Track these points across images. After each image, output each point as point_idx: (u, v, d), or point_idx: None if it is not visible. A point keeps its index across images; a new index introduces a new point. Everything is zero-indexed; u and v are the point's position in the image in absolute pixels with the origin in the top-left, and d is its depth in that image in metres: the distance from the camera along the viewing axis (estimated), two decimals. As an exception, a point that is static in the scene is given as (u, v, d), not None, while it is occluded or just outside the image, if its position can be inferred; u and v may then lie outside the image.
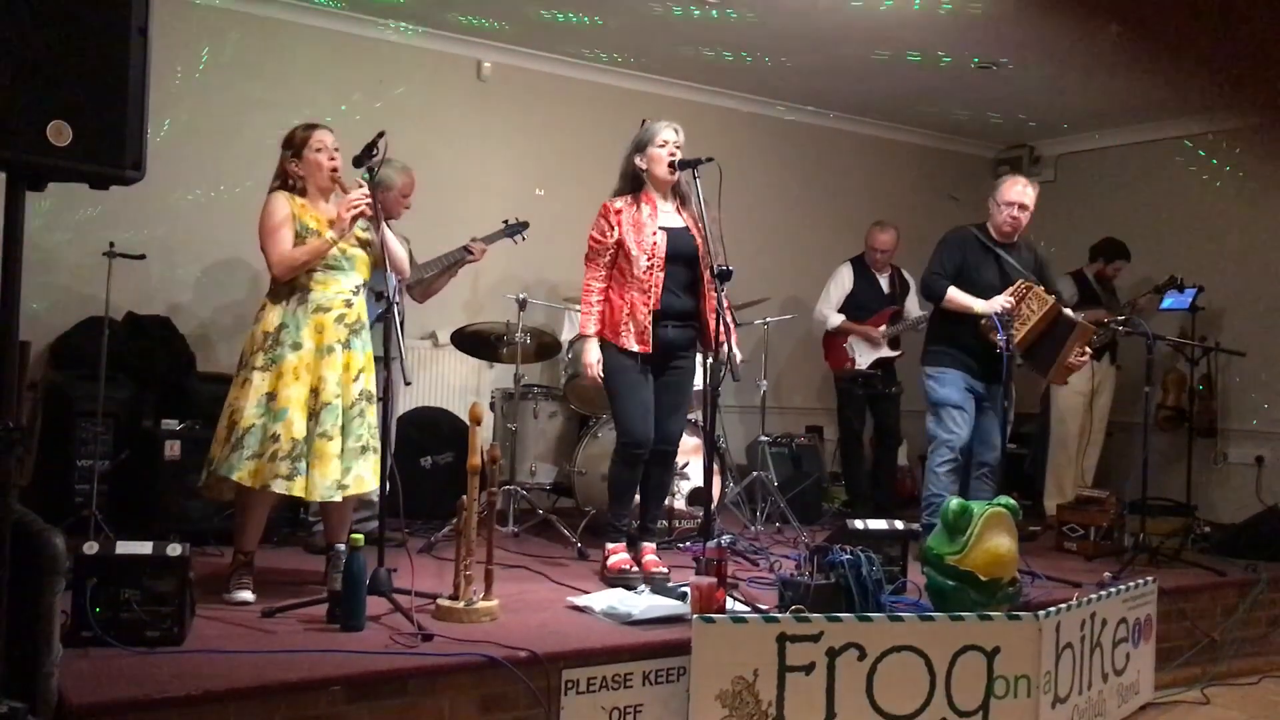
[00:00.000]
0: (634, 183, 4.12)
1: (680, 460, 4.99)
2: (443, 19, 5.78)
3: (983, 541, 3.60)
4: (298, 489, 3.42)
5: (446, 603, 3.31)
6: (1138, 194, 7.32)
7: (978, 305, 4.69)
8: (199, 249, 5.43)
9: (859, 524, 3.98)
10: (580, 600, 3.56)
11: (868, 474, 6.23)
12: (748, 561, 4.51)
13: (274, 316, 3.55)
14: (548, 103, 6.38)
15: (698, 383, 4.35)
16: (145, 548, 2.92)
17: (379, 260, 3.58)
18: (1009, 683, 3.28)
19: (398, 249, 3.76)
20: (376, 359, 3.65)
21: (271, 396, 3.45)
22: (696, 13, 5.46)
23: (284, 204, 3.59)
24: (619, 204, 4.10)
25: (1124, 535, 5.18)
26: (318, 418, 3.47)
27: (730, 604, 3.48)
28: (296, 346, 3.50)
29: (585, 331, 4.09)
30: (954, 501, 3.70)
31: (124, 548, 2.92)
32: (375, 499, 3.63)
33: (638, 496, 4.28)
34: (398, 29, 5.88)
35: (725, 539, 4.41)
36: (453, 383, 5.94)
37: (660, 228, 4.05)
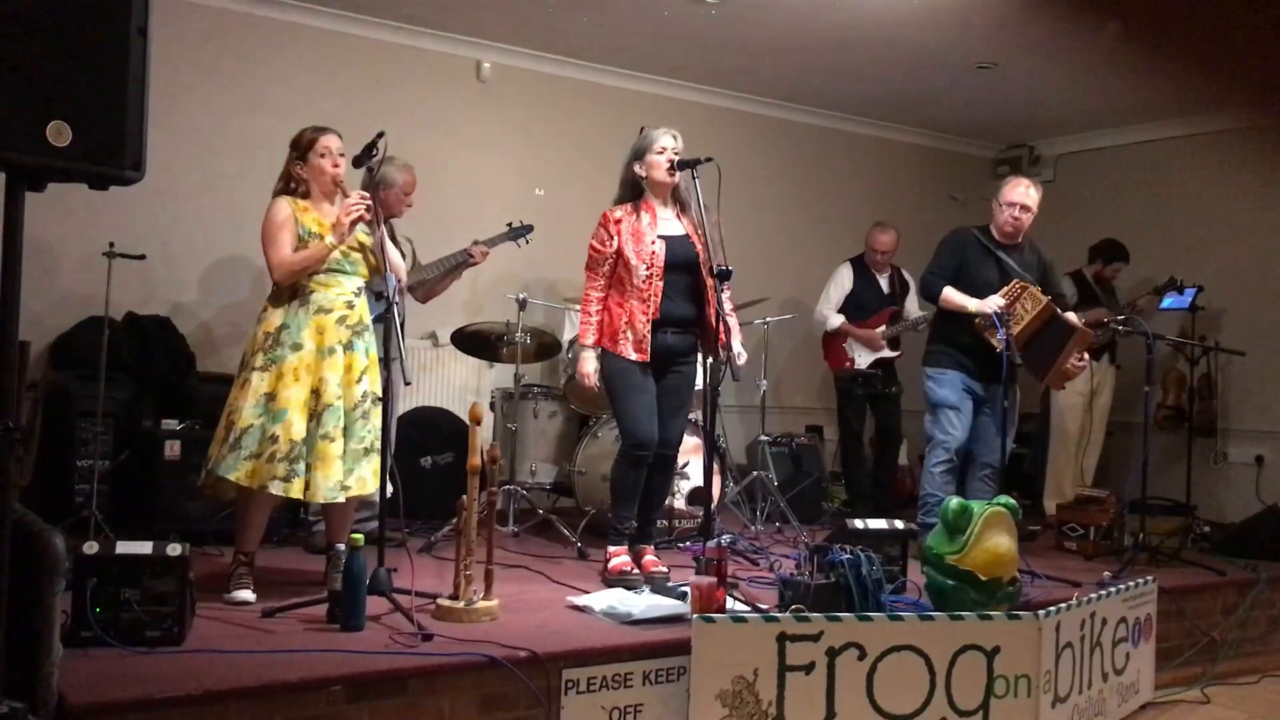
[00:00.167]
0: (634, 190, 4.12)
1: (680, 460, 4.99)
2: (443, 19, 5.78)
3: (982, 541, 3.60)
4: (295, 490, 3.42)
5: (446, 602, 3.31)
6: (1138, 194, 7.32)
7: (971, 305, 4.70)
8: (199, 249, 5.43)
9: (859, 524, 3.98)
10: (580, 600, 3.56)
11: (868, 474, 6.23)
12: (748, 561, 4.51)
13: (275, 318, 3.55)
14: (548, 103, 6.38)
15: (698, 383, 4.35)
16: (145, 548, 2.93)
17: (378, 263, 3.58)
18: (1009, 682, 3.28)
19: (395, 255, 3.76)
20: (378, 359, 3.65)
21: (271, 397, 3.46)
22: (695, 13, 5.45)
23: (285, 208, 3.59)
24: (618, 213, 4.10)
25: (1124, 535, 5.18)
26: (319, 419, 3.47)
27: (730, 604, 3.48)
28: (297, 347, 3.50)
29: (584, 341, 4.11)
30: (954, 501, 3.70)
31: (124, 548, 2.92)
32: (376, 499, 3.63)
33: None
34: (398, 29, 5.88)
35: (725, 539, 4.42)
36: (453, 383, 5.94)
37: (659, 236, 4.04)
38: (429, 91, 6.03)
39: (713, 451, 4.35)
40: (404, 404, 5.10)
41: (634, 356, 4.00)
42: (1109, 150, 7.56)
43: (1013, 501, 3.78)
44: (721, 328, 3.85)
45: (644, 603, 3.45)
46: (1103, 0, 5.10)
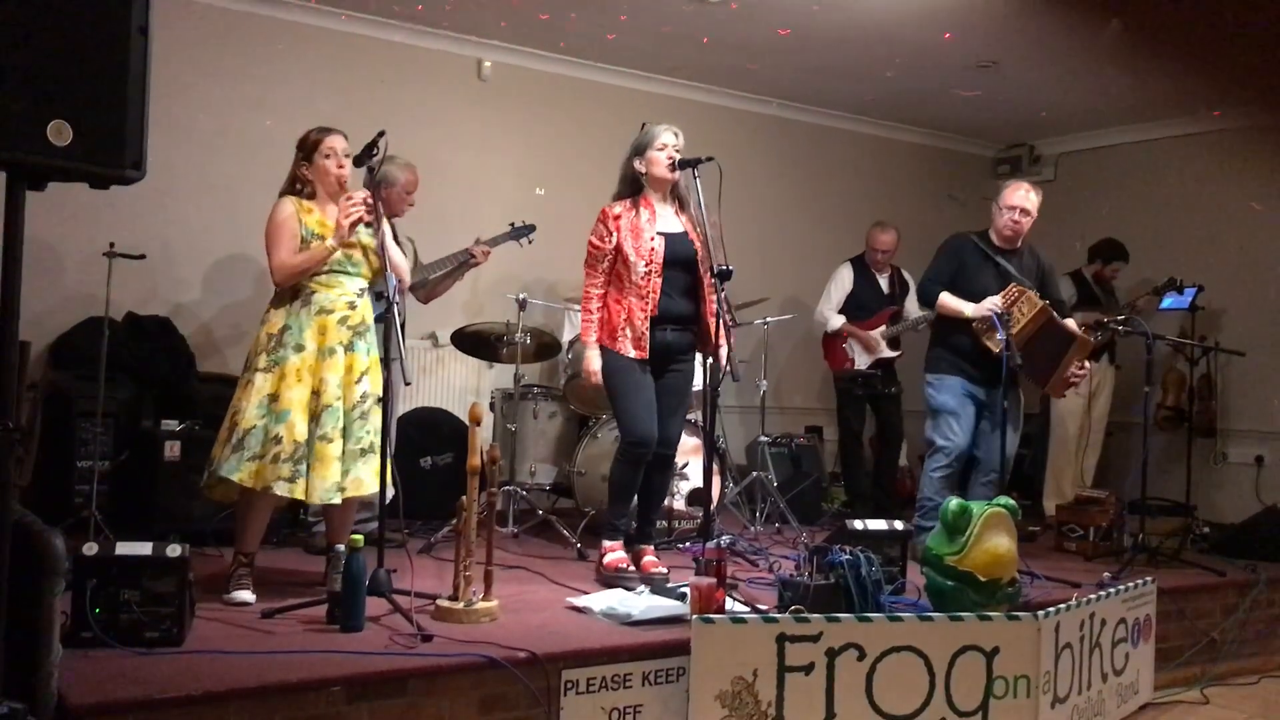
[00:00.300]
0: (633, 186, 4.12)
1: (680, 460, 4.99)
2: (443, 18, 5.78)
3: (982, 542, 3.60)
4: (299, 491, 3.43)
5: (446, 603, 3.31)
6: (1138, 193, 7.32)
7: (968, 310, 4.70)
8: (199, 249, 5.43)
9: (858, 524, 3.98)
10: (580, 601, 3.56)
11: (867, 474, 6.23)
12: (747, 562, 4.51)
13: (278, 319, 3.56)
14: (548, 102, 6.38)
15: (697, 383, 4.35)
16: (145, 548, 2.92)
17: (379, 263, 3.58)
18: (1008, 683, 3.28)
19: (398, 255, 3.76)
20: (379, 360, 3.65)
21: (274, 398, 3.46)
22: (696, 12, 5.45)
23: (288, 208, 3.60)
24: (617, 209, 4.09)
25: (1123, 535, 5.18)
26: (318, 420, 3.47)
27: (730, 604, 3.48)
28: (299, 349, 3.51)
29: (586, 339, 4.10)
30: (953, 502, 3.70)
31: (124, 548, 2.92)
32: (376, 500, 3.63)
33: (635, 499, 4.28)
34: (398, 28, 5.87)
35: (725, 539, 4.42)
36: (453, 383, 5.94)
37: (658, 233, 4.04)
38: (429, 91, 6.03)
39: (712, 452, 4.35)
40: (404, 404, 5.10)
41: (633, 354, 4.00)
42: (1109, 149, 7.56)
43: (1012, 502, 3.78)
44: (720, 329, 3.85)
45: (643, 603, 3.45)
46: (1102, 0, 5.10)
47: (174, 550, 2.92)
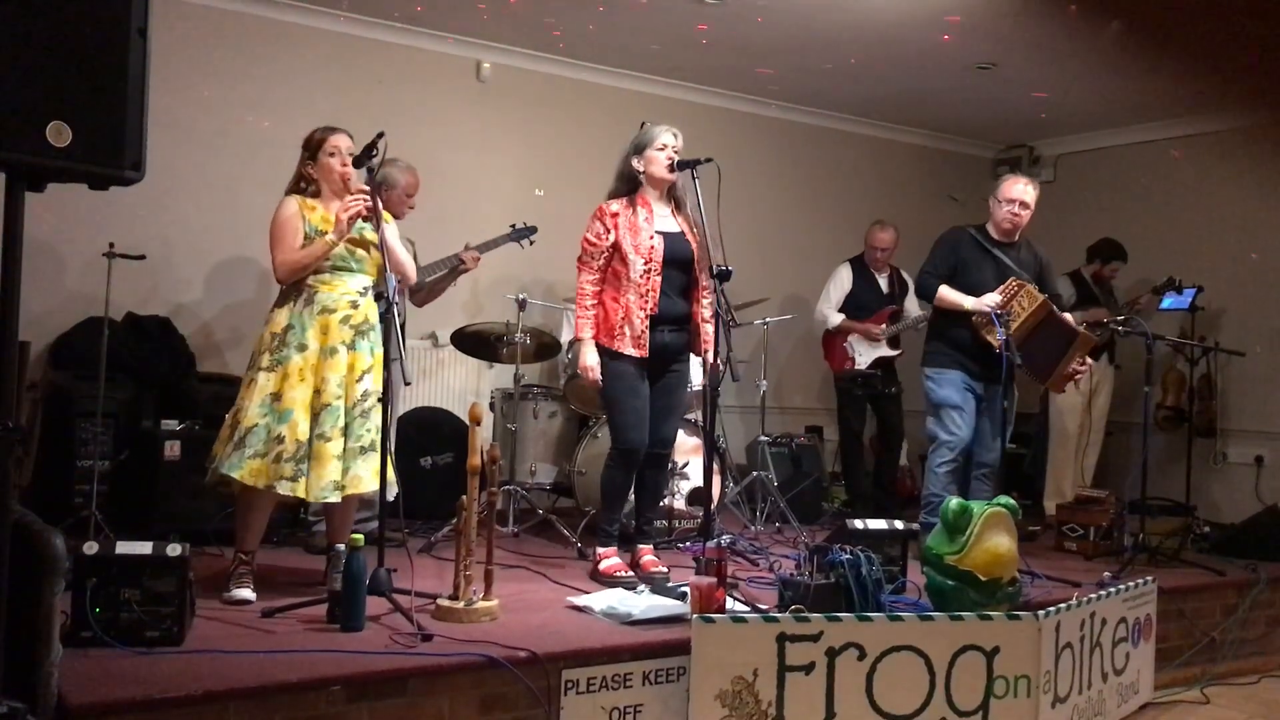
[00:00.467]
0: (630, 184, 4.11)
1: (680, 460, 5.01)
2: (443, 19, 5.78)
3: (982, 541, 3.60)
4: (301, 490, 3.44)
5: (446, 603, 3.31)
6: (1137, 194, 7.32)
7: (967, 303, 4.70)
8: (199, 249, 5.43)
9: (859, 524, 3.98)
10: (580, 600, 3.56)
11: (867, 474, 6.23)
12: (747, 561, 4.51)
13: (282, 318, 3.57)
14: (547, 103, 6.38)
15: (697, 383, 4.35)
16: (145, 548, 2.93)
17: (384, 260, 3.59)
18: (1009, 682, 3.28)
19: (402, 253, 3.77)
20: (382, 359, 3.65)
21: (276, 397, 3.47)
22: (695, 13, 5.45)
23: (291, 206, 3.62)
24: (615, 206, 4.09)
25: (1123, 535, 5.17)
26: (318, 419, 3.48)
27: (730, 604, 3.48)
28: (302, 348, 3.52)
29: (581, 335, 4.07)
30: (954, 501, 3.70)
31: (124, 548, 2.92)
32: (376, 499, 3.63)
33: (633, 499, 4.28)
34: (398, 29, 5.87)
35: (725, 539, 4.41)
36: (452, 383, 5.94)
37: (657, 231, 4.04)
38: (429, 92, 6.03)
39: (712, 452, 4.35)
40: (404, 404, 5.10)
41: (633, 353, 4.00)
42: (1109, 150, 7.56)
43: (1012, 502, 3.78)
44: (719, 331, 3.84)
45: (644, 603, 3.45)
46: (1102, 0, 5.10)
47: (174, 549, 2.92)
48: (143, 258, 4.54)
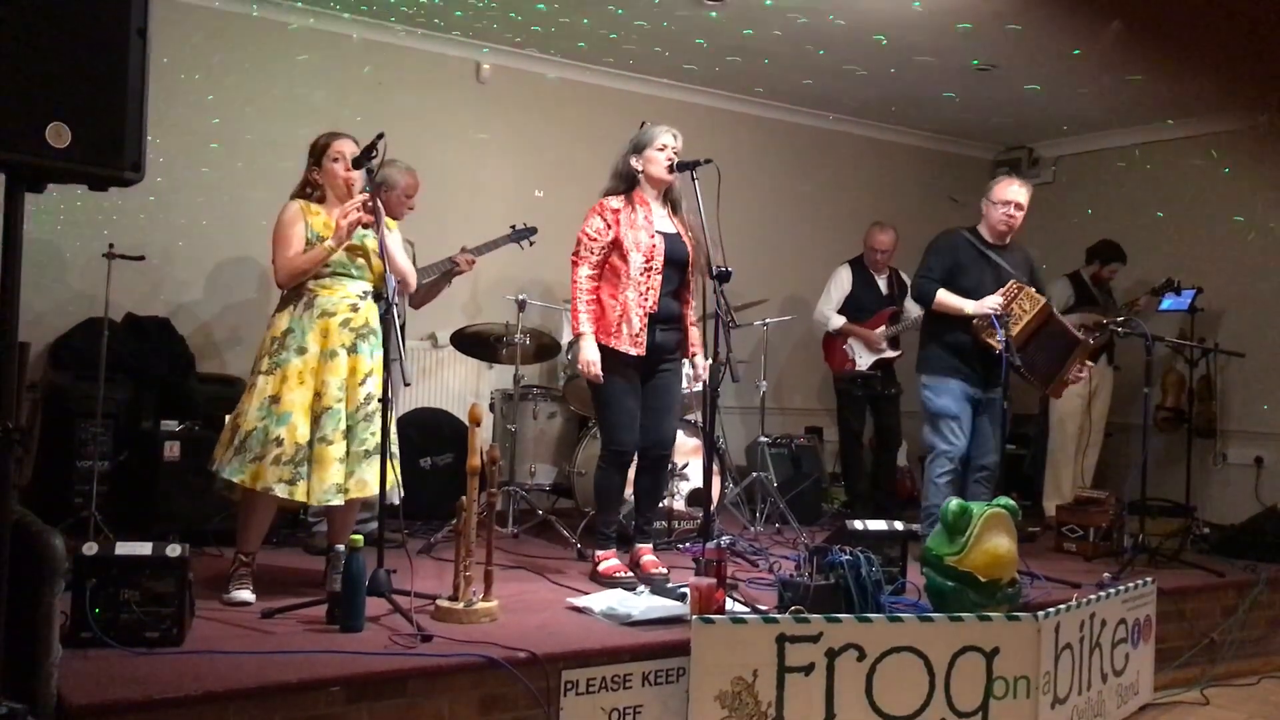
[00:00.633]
0: (628, 183, 4.11)
1: (680, 461, 5.01)
2: (442, 20, 5.78)
3: (982, 542, 3.60)
4: (299, 494, 3.44)
5: (446, 603, 3.31)
6: (1137, 195, 7.33)
7: (968, 306, 4.68)
8: (198, 250, 5.43)
9: (858, 525, 3.99)
10: (579, 601, 3.56)
11: (867, 475, 6.23)
12: (747, 562, 4.51)
13: (282, 321, 3.58)
14: (547, 104, 6.39)
15: (696, 384, 4.35)
16: (144, 548, 2.93)
17: (381, 268, 3.59)
18: (1008, 683, 3.28)
19: (404, 259, 3.77)
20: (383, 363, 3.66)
21: (275, 400, 3.47)
22: (695, 14, 5.46)
23: (293, 211, 3.63)
24: (615, 203, 4.09)
25: (1123, 536, 5.17)
26: (319, 422, 3.48)
27: (730, 605, 3.48)
28: (301, 351, 3.52)
29: (581, 330, 4.02)
30: (953, 502, 3.70)
31: (123, 548, 2.92)
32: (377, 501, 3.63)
33: (632, 500, 4.28)
34: (397, 30, 5.88)
35: (725, 540, 4.42)
36: (452, 384, 5.94)
37: (657, 231, 4.05)
38: (428, 93, 6.04)
39: (712, 453, 4.35)
40: (404, 405, 5.10)
41: (630, 352, 4.00)
42: (1108, 152, 7.56)
43: (1012, 503, 3.78)
44: (719, 331, 3.83)
45: (643, 604, 3.45)
46: (1102, 2, 5.10)
47: (173, 550, 2.93)
48: (142, 258, 4.54)
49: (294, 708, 2.61)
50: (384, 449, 3.46)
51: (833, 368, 6.26)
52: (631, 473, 4.22)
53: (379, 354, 3.62)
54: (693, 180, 3.94)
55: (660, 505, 4.56)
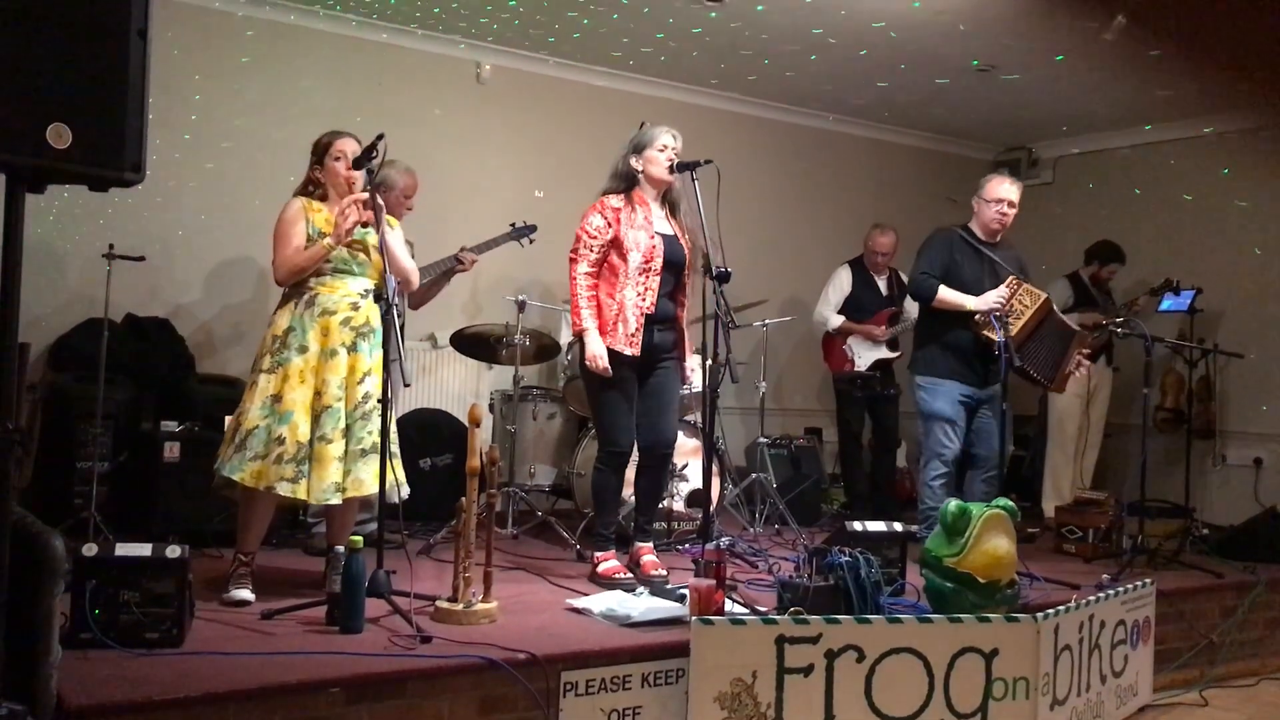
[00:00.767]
0: (627, 183, 4.11)
1: (679, 462, 5.01)
2: (443, 21, 5.79)
3: (981, 543, 3.60)
4: (301, 492, 3.44)
5: (445, 605, 3.31)
6: (1136, 196, 7.33)
7: (970, 303, 4.67)
8: (198, 251, 5.44)
9: (858, 526, 3.98)
10: (579, 602, 3.56)
11: (866, 476, 6.23)
12: (746, 563, 4.51)
13: (283, 320, 3.58)
14: (547, 105, 6.39)
15: (697, 385, 4.35)
16: (144, 549, 2.93)
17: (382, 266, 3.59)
18: (1007, 684, 3.28)
19: (405, 257, 3.77)
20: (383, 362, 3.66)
21: (277, 399, 3.48)
22: (695, 15, 5.46)
23: (294, 209, 3.64)
24: (615, 201, 4.09)
25: (1122, 537, 5.17)
26: (319, 421, 3.48)
27: (729, 606, 3.48)
28: (303, 350, 3.53)
29: (585, 326, 4.00)
30: (952, 503, 3.70)
31: (123, 549, 2.92)
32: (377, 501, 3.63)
33: (632, 500, 4.28)
34: (397, 31, 5.88)
35: (724, 541, 4.42)
36: (452, 385, 5.95)
37: (656, 233, 4.05)
38: (428, 93, 6.04)
39: (711, 454, 4.35)
40: (403, 406, 5.10)
41: (626, 351, 3.99)
42: (1108, 152, 7.57)
43: (1011, 504, 3.79)
44: (718, 332, 3.84)
45: (643, 605, 3.45)
46: (1101, 2, 5.10)
47: (173, 551, 2.92)
48: (142, 259, 4.54)
49: (294, 709, 2.61)
50: (384, 449, 3.46)
51: (832, 368, 6.27)
52: (630, 473, 4.22)
53: (378, 353, 3.62)
54: (693, 181, 3.94)
55: (660, 506, 4.56)
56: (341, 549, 3.53)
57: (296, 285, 3.60)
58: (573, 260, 4.07)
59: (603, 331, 4.01)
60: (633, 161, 4.10)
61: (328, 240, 3.54)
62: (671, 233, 4.11)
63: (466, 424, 3.40)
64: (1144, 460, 5.03)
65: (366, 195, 3.50)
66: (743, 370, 5.10)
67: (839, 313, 6.19)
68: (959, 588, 3.59)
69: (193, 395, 4.92)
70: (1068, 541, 5.20)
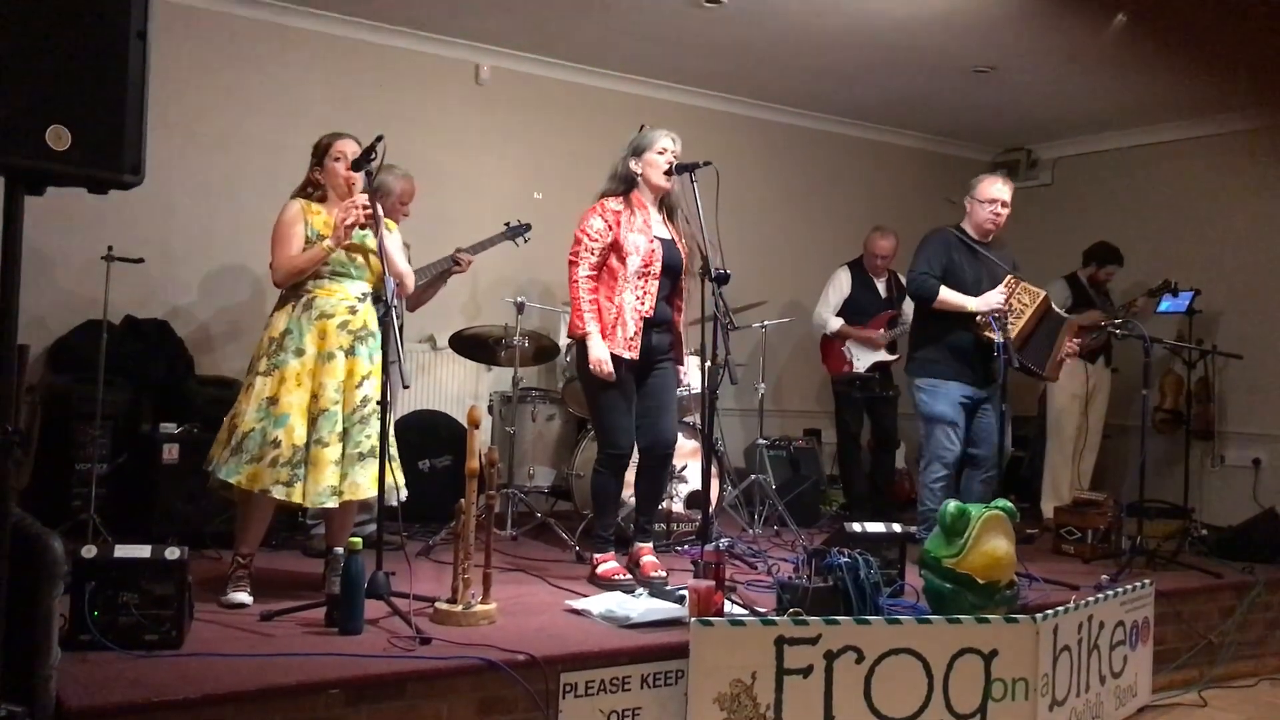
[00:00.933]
0: (626, 185, 4.11)
1: (678, 463, 5.00)
2: (442, 22, 5.79)
3: (980, 544, 3.60)
4: (296, 495, 3.44)
5: (445, 606, 3.31)
6: (1135, 197, 7.33)
7: (971, 303, 4.67)
8: (197, 252, 5.43)
9: (857, 527, 3.99)
10: (578, 603, 3.56)
11: (865, 477, 6.23)
12: (746, 564, 4.51)
13: (280, 322, 3.58)
14: (546, 106, 6.39)
15: (696, 386, 4.36)
16: (143, 551, 2.93)
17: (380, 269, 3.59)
18: (1007, 685, 3.28)
19: (402, 262, 3.77)
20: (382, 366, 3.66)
21: (273, 401, 3.47)
22: (694, 16, 5.46)
23: (293, 210, 3.64)
24: (615, 204, 4.09)
25: (1121, 538, 5.17)
26: (315, 424, 3.48)
27: (728, 607, 3.48)
28: (300, 353, 3.52)
29: (588, 330, 3.99)
30: (951, 504, 3.70)
31: (122, 551, 2.93)
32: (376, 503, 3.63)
33: (632, 501, 4.28)
34: (397, 32, 5.88)
35: (723, 542, 4.42)
36: (451, 386, 5.94)
37: (655, 237, 4.06)
38: (428, 95, 6.04)
39: (710, 455, 4.35)
40: (402, 407, 5.10)
41: (625, 354, 4.00)
42: (1107, 153, 7.57)
43: (1010, 505, 3.79)
44: (717, 334, 3.84)
45: (642, 606, 3.45)
46: (1101, 3, 5.10)
47: (172, 553, 2.93)
48: (141, 261, 4.55)
49: (293, 710, 2.61)
50: (383, 451, 3.46)
51: (830, 370, 6.27)
52: (630, 475, 4.22)
53: (377, 357, 3.62)
54: (691, 183, 3.94)
55: (659, 507, 4.56)
56: (341, 550, 3.53)
57: (294, 287, 3.60)
58: (573, 263, 4.06)
59: (602, 334, 4.01)
60: (632, 164, 4.10)
61: (327, 242, 3.54)
62: (669, 237, 4.12)
63: (465, 425, 3.40)
64: (1143, 461, 5.03)
65: (366, 198, 3.50)
66: (741, 372, 5.09)
67: (838, 314, 6.19)
68: (958, 589, 3.59)
69: (191, 397, 4.92)
70: (1066, 542, 5.20)
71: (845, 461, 6.26)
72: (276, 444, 3.42)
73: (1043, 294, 4.66)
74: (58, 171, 2.06)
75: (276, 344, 3.54)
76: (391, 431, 3.51)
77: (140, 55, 2.12)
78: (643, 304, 4.01)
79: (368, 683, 2.72)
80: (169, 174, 5.10)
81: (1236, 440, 6.82)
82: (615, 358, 3.99)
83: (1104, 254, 6.51)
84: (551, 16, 5.59)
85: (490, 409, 5.55)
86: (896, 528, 4.06)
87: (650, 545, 4.26)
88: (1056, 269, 6.59)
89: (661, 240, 4.07)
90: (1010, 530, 3.72)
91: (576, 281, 4.03)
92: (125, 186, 2.13)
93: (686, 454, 5.06)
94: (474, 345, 5.29)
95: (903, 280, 6.22)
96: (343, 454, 3.50)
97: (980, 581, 3.58)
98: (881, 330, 6.13)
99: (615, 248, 4.02)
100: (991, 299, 4.60)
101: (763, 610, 3.52)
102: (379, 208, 3.52)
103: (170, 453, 4.50)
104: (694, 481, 5.06)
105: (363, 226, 3.56)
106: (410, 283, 3.89)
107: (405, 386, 3.45)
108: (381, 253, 3.49)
